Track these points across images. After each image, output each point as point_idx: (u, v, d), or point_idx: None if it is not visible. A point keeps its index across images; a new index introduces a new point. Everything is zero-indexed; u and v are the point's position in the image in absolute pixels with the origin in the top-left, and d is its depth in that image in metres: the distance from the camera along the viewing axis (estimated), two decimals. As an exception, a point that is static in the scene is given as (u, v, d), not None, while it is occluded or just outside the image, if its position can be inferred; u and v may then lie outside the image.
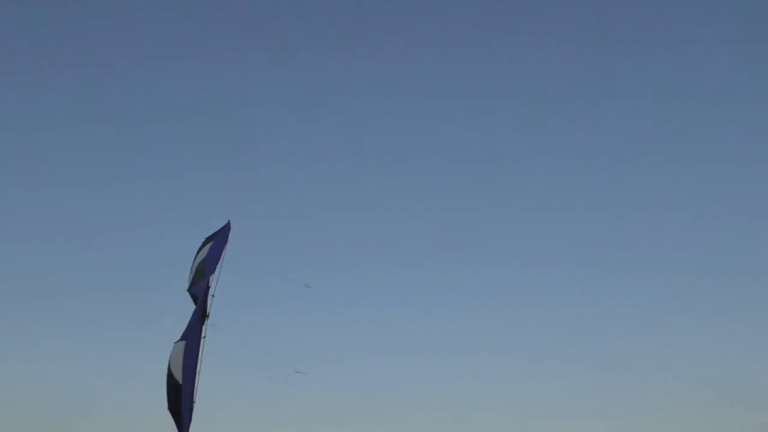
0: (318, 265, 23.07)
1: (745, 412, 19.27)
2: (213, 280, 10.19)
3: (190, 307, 10.37)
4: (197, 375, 9.75)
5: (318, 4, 26.43)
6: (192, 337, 9.88)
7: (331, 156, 25.28)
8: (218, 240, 10.65)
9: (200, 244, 10.89)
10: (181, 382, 9.53)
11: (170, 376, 9.66)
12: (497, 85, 25.77)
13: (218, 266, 10.28)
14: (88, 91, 25.52)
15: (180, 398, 9.50)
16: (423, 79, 25.99)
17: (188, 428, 9.59)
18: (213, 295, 10.18)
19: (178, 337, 10.19)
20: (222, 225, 11.22)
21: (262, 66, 25.91)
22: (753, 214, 23.08)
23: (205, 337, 10.06)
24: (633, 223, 23.63)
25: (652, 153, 24.47)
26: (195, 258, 10.76)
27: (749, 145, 23.95)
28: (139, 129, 25.02)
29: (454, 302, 22.32)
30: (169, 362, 9.70)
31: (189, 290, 10.51)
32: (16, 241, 23.00)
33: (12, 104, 25.14)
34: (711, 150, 24.23)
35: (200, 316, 10.03)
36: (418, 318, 22.16)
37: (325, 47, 25.95)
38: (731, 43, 24.91)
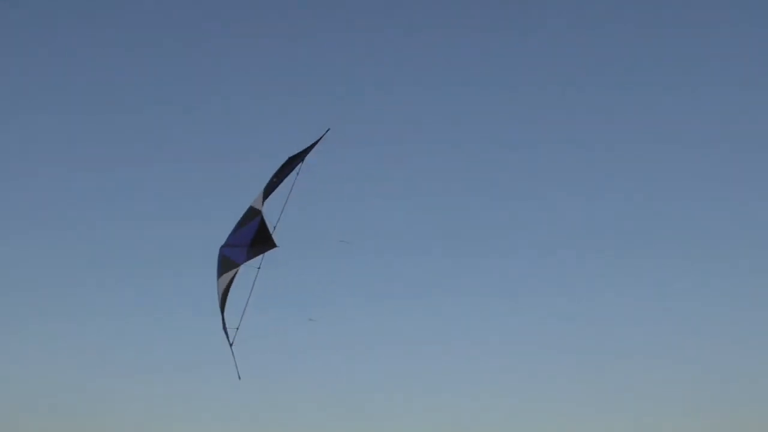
0: (316, 262, 22.89)
1: (751, 408, 19.14)
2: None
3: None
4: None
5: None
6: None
7: (326, 150, 25.07)
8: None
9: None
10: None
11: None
12: (497, 75, 25.61)
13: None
14: (85, 82, 25.36)
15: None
16: (420, 71, 25.83)
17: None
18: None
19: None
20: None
21: (257, 59, 25.76)
22: (756, 207, 22.97)
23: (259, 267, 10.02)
24: (635, 216, 23.52)
25: (655, 145, 24.36)
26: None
27: (753, 137, 23.84)
28: (139, 125, 24.88)
29: (453, 296, 22.20)
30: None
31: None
32: (12, 238, 22.83)
33: (9, 96, 24.98)
34: (714, 141, 24.13)
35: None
36: (416, 312, 22.06)
37: (319, 40, 25.78)
38: (731, 38, 24.77)
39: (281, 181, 10.27)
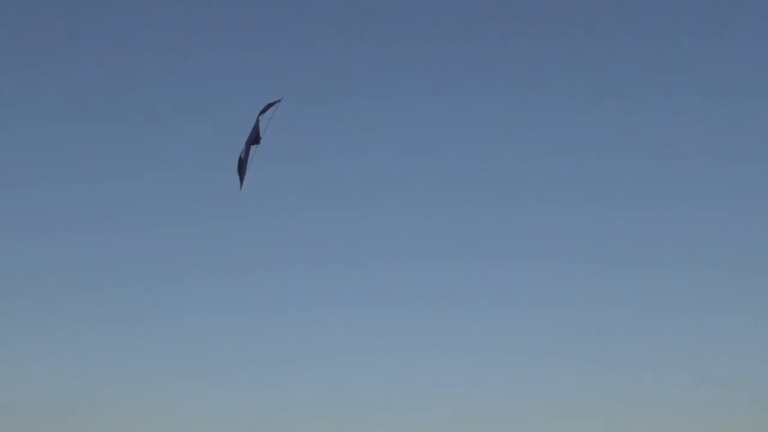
0: (316, 263, 22.96)
1: (748, 411, 19.17)
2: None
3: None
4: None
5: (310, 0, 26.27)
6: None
7: (325, 153, 25.16)
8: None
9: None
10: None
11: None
12: (495, 80, 25.64)
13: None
14: (82, 87, 25.36)
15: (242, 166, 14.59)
16: (418, 74, 25.86)
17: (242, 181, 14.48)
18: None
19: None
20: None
21: (255, 63, 25.80)
22: (755, 211, 23.03)
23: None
24: (633, 220, 23.55)
25: (652, 149, 24.42)
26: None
27: (751, 142, 23.91)
28: (133, 126, 24.88)
29: (453, 300, 22.24)
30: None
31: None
32: (5, 240, 22.84)
33: (5, 101, 25.01)
34: (712, 147, 24.19)
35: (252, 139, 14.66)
36: (414, 317, 22.11)
37: (318, 44, 25.84)
38: (731, 40, 24.84)
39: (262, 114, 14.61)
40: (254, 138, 14.87)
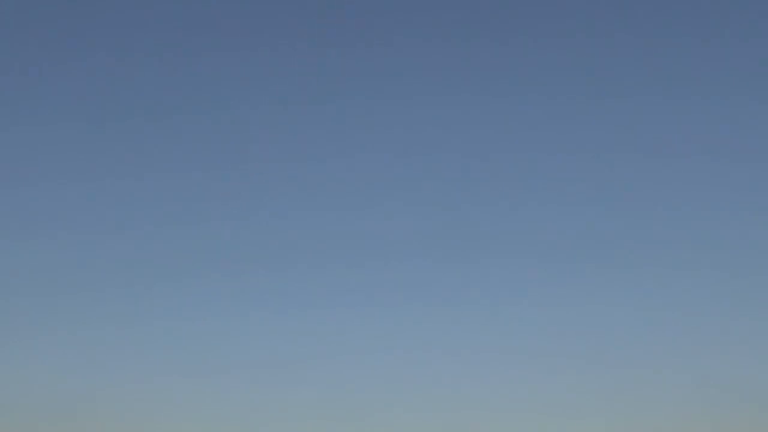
0: (316, 263, 22.89)
1: (748, 411, 19.13)
2: None
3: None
4: None
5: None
6: None
7: (325, 153, 25.09)
8: None
9: None
10: None
11: None
12: (495, 80, 25.58)
13: None
14: (82, 87, 25.29)
15: None
16: (418, 74, 25.80)
17: None
18: None
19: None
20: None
21: (255, 63, 25.73)
22: (755, 211, 22.97)
23: None
24: (633, 220, 23.50)
25: (652, 149, 24.36)
26: None
27: (751, 142, 23.86)
28: (133, 126, 24.81)
29: (453, 300, 22.19)
30: None
31: None
32: (5, 240, 22.78)
33: (5, 101, 24.95)
34: (712, 147, 24.13)
35: None
36: (414, 317, 22.05)
37: (319, 44, 25.78)
38: (731, 40, 24.80)
39: None
40: None
